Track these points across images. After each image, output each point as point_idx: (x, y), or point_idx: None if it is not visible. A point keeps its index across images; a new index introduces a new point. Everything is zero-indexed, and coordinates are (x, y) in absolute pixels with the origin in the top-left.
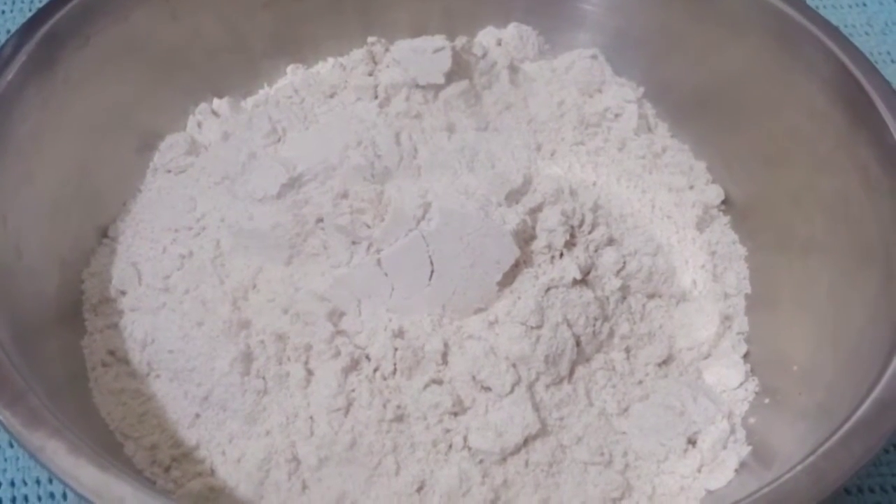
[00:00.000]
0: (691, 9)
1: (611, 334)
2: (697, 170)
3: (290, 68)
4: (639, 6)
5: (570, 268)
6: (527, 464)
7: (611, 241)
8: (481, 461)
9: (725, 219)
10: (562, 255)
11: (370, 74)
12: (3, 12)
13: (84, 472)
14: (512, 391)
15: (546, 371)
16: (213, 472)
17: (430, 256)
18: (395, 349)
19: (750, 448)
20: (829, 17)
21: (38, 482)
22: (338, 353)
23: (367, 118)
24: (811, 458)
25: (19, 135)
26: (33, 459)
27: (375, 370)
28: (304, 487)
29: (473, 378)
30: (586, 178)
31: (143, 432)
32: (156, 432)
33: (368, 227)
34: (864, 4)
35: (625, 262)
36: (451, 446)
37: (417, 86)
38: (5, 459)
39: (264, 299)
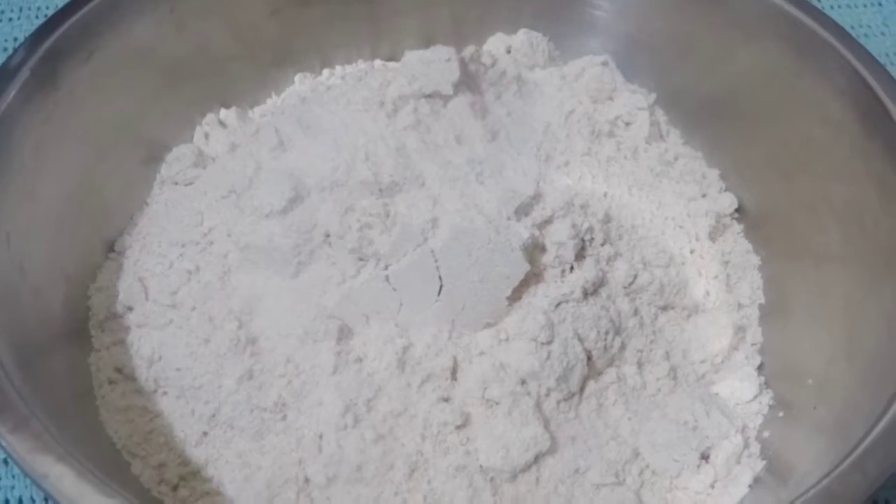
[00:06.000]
0: (703, 14)
1: (622, 348)
2: (710, 178)
3: (297, 77)
4: (650, 11)
5: (580, 282)
6: (538, 481)
7: (622, 254)
8: (492, 479)
9: (739, 227)
10: (572, 268)
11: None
12: (11, 20)
13: (89, 501)
14: (522, 408)
15: (556, 387)
16: (221, 491)
17: (438, 272)
18: (404, 366)
19: (764, 462)
20: (844, 17)
21: (45, 500)
22: (345, 371)
23: (374, 130)
24: (825, 482)
25: (22, 151)
26: (37, 487)
27: (383, 388)
28: None
29: (483, 395)
30: (597, 188)
31: (150, 451)
32: (163, 451)
33: (375, 242)
34: (880, 4)
35: (636, 275)
36: (461, 464)
37: (425, 97)
38: (13, 476)
39: (272, 316)
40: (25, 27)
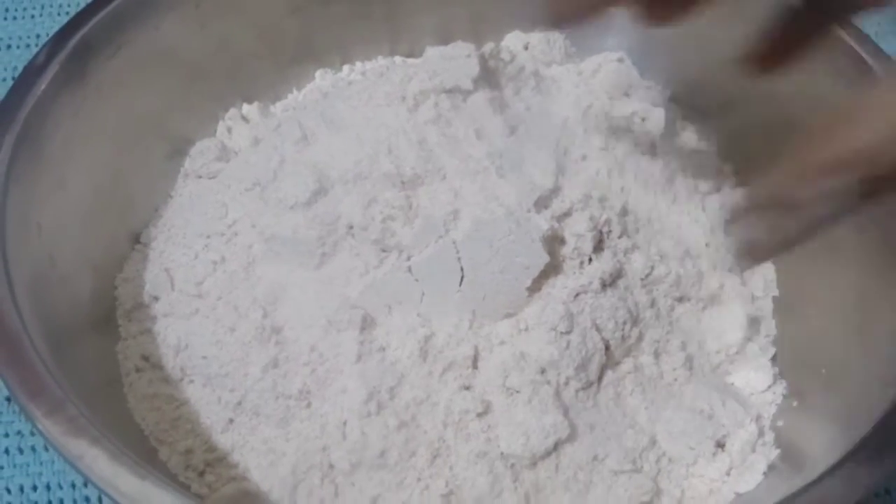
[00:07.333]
0: (718, 10)
1: (639, 339)
2: (725, 172)
3: (318, 73)
4: None
5: (598, 273)
6: (557, 468)
7: (639, 246)
8: (512, 465)
9: None
10: (590, 260)
11: (399, 81)
12: (34, 17)
13: (123, 481)
14: (542, 396)
15: (575, 376)
16: (246, 477)
17: (460, 262)
18: (426, 354)
19: (779, 451)
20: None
21: (73, 486)
22: (369, 360)
23: (396, 124)
24: (842, 464)
25: (52, 143)
26: (73, 468)
27: (406, 376)
28: (337, 492)
29: (503, 383)
30: (614, 182)
31: (176, 437)
32: (189, 437)
33: (398, 234)
34: None
35: (653, 267)
36: (482, 451)
37: (445, 92)
38: (41, 463)
39: (296, 305)
40: (48, 24)
